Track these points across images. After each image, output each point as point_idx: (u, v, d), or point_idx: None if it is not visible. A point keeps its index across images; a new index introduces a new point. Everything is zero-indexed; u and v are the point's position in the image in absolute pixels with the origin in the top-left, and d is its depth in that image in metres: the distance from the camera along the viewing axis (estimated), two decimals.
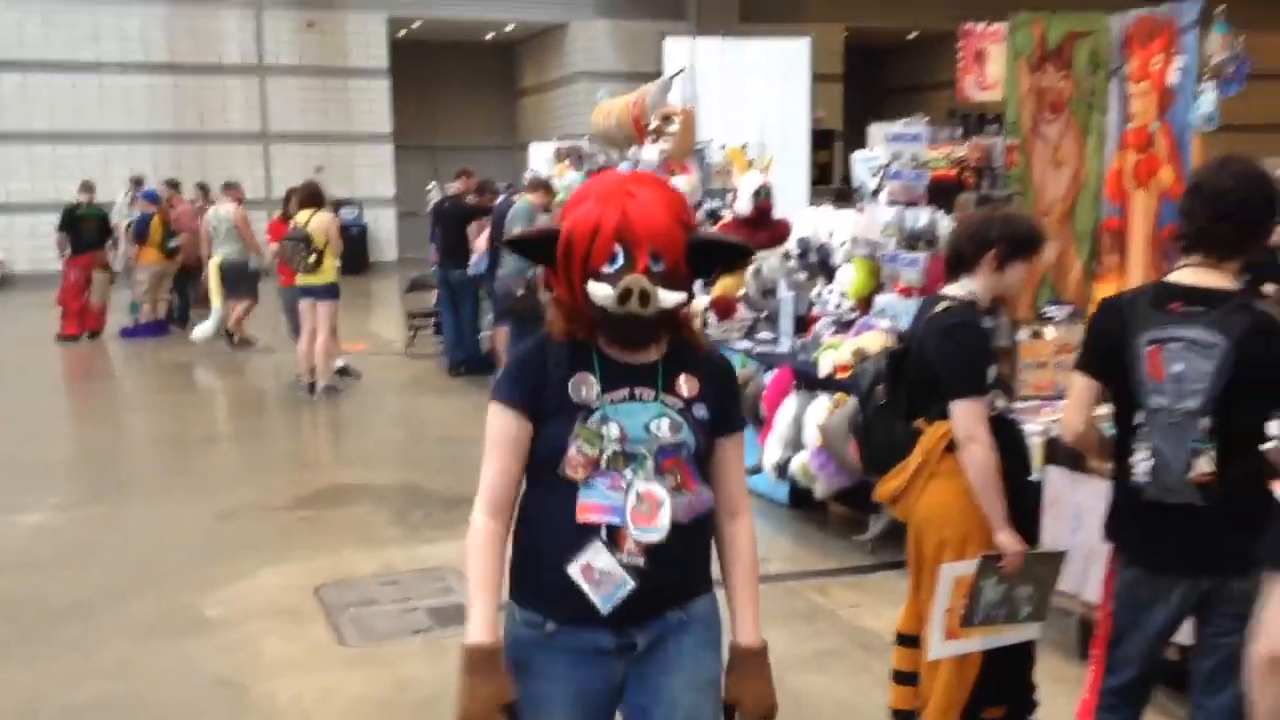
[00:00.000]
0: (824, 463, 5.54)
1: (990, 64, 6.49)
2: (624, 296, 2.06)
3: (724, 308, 7.21)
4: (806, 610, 4.88)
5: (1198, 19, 4.91)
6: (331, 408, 9.44)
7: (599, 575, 2.13)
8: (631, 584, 2.12)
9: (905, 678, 3.62)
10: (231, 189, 12.24)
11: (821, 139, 18.28)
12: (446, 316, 10.85)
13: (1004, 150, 5.70)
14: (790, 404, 5.87)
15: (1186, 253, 2.85)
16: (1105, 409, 3.05)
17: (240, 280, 11.88)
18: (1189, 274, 2.82)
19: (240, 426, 9.43)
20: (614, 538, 2.12)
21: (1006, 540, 3.30)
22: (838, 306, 6.19)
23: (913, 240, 5.66)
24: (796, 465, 5.74)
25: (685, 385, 2.21)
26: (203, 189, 15.28)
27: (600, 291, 2.08)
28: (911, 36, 24.36)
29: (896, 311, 5.55)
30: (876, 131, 6.16)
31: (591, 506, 2.13)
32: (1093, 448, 3.17)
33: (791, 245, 6.82)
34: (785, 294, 6.65)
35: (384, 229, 21.91)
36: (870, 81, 25.35)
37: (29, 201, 19.05)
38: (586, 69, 21.19)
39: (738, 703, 2.24)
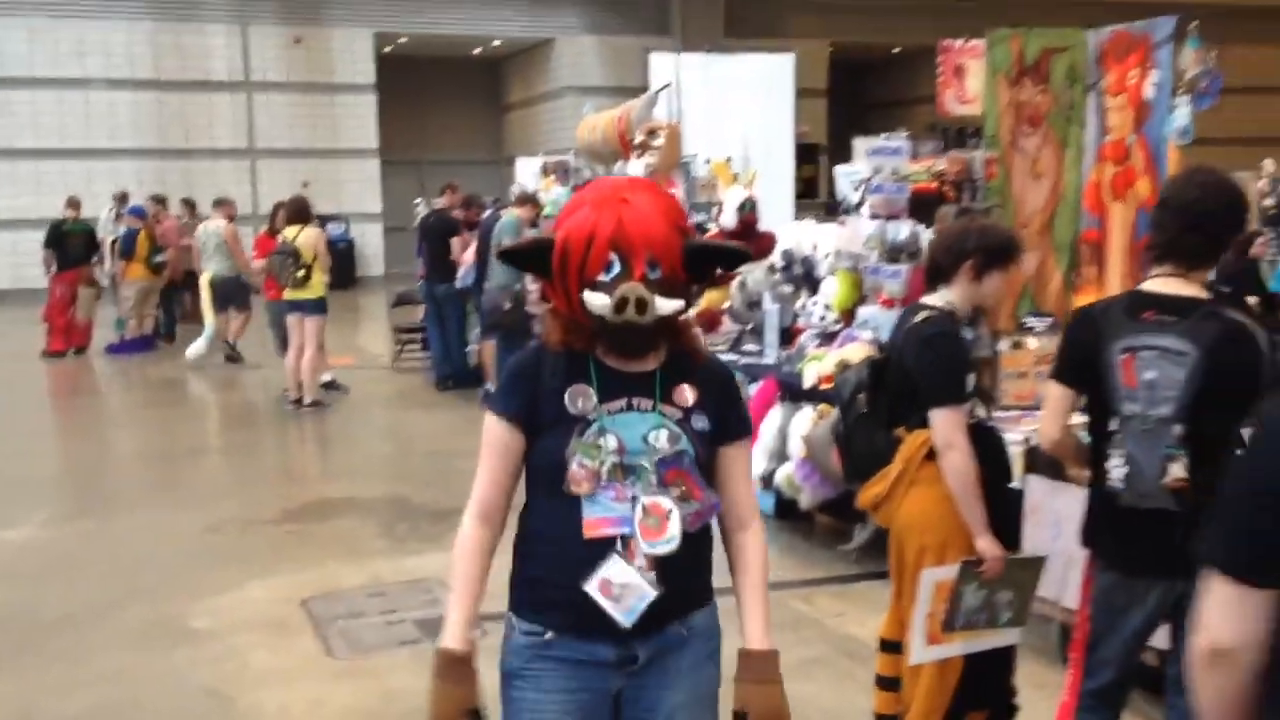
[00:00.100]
0: (809, 474, 5.59)
1: (970, 79, 6.58)
2: (621, 305, 2.03)
3: (709, 320, 7.27)
4: (792, 619, 4.92)
5: (1172, 34, 5.00)
6: (318, 422, 9.46)
7: (618, 590, 2.10)
8: (653, 593, 2.10)
9: (888, 683, 3.67)
10: (224, 205, 12.27)
11: (806, 153, 18.39)
12: (433, 331, 10.89)
13: (983, 163, 5.78)
14: (775, 415, 5.92)
15: (1157, 263, 2.91)
16: (1081, 417, 3.12)
17: (232, 294, 11.91)
18: (1160, 283, 2.89)
19: (227, 441, 9.44)
20: (625, 549, 2.10)
21: (986, 546, 3.34)
22: (822, 319, 6.24)
23: (894, 252, 5.72)
24: (782, 476, 5.79)
25: (683, 395, 2.18)
26: (189, 205, 15.32)
27: (597, 301, 2.05)
28: (895, 52, 24.54)
29: (879, 323, 5.60)
30: (860, 146, 6.22)
31: (599, 521, 2.10)
32: (1069, 455, 3.23)
33: (776, 258, 6.88)
34: (770, 306, 6.71)
35: (371, 244, 21.94)
36: (855, 96, 25.53)
37: (13, 218, 19.02)
38: (573, 84, 21.29)
39: (746, 708, 2.16)
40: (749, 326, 7.03)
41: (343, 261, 18.86)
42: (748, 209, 7.32)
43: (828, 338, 6.11)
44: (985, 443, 3.47)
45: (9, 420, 9.90)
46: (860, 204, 6.05)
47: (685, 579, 2.15)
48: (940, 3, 19.94)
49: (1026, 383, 5.07)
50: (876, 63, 25.86)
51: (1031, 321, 5.37)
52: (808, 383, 5.75)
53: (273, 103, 20.94)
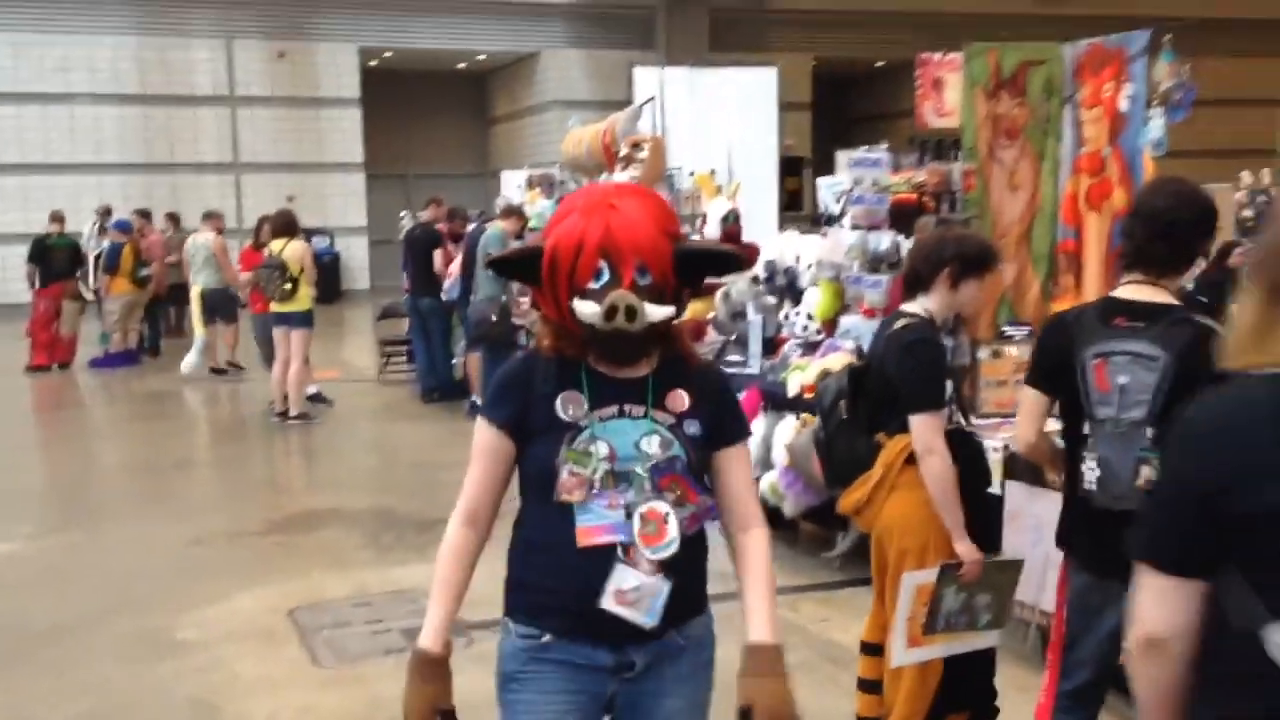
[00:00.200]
0: (792, 481, 5.64)
1: (948, 92, 6.68)
2: (610, 313, 2.02)
3: (694, 331, 7.32)
4: None
5: (1146, 48, 5.09)
6: (304, 434, 9.48)
7: (633, 595, 2.10)
8: (667, 586, 2.10)
9: (870, 685, 3.72)
10: (213, 218, 12.35)
11: (791, 166, 18.49)
12: (418, 343, 10.92)
13: (962, 175, 5.86)
14: (759, 425, 5.97)
15: (1128, 270, 2.98)
16: (1056, 422, 3.18)
17: (221, 306, 11.94)
18: (1131, 290, 2.95)
19: (213, 454, 9.45)
20: (627, 555, 2.10)
21: (965, 549, 3.40)
22: (805, 329, 6.30)
23: (875, 263, 5.79)
24: (765, 484, 5.84)
25: (676, 400, 2.17)
26: (173, 219, 15.34)
27: (586, 309, 2.04)
28: (878, 66, 24.73)
29: (861, 332, 5.67)
30: (843, 158, 6.30)
31: (591, 529, 2.10)
32: (1044, 458, 3.30)
33: (759, 269, 6.94)
34: (754, 317, 6.77)
35: (356, 258, 21.97)
36: (839, 110, 25.72)
37: None
38: (558, 98, 21.39)
39: (751, 703, 2.10)
40: (733, 337, 7.09)
41: (328, 275, 18.86)
42: (731, 220, 7.40)
43: (811, 347, 6.17)
44: (964, 448, 3.53)
45: None
46: (842, 215, 6.12)
47: (686, 580, 2.15)
48: (921, 18, 20.12)
49: (1006, 390, 5.13)
50: (860, 77, 26.06)
51: (1010, 330, 5.44)
52: (791, 392, 5.81)
53: (257, 117, 20.98)
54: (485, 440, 2.20)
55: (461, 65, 23.99)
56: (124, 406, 11.45)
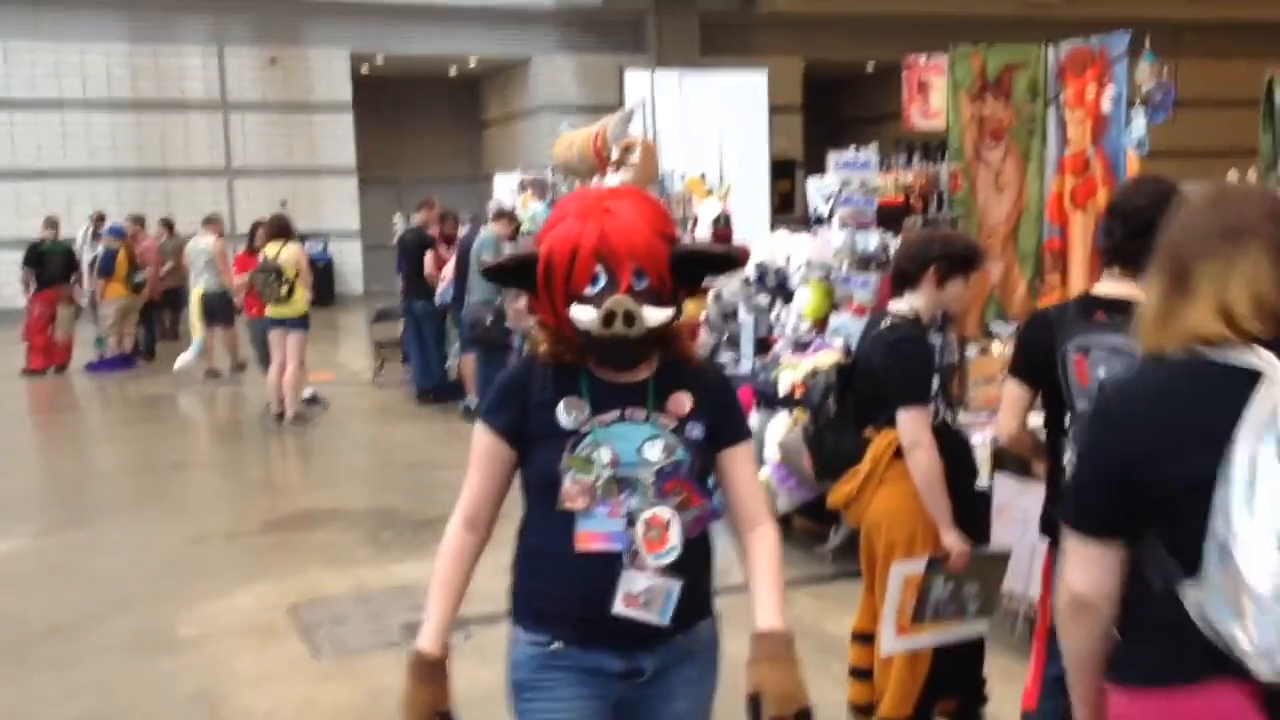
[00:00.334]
0: (784, 477, 5.73)
1: (934, 94, 6.78)
2: (608, 319, 2.00)
3: (687, 332, 7.41)
4: None
5: (1127, 50, 5.19)
6: (301, 436, 9.54)
7: (645, 597, 2.09)
8: (678, 584, 2.10)
9: (861, 674, 3.80)
10: (213, 223, 12.45)
11: (782, 168, 18.59)
12: (412, 345, 10.99)
13: (949, 176, 5.96)
14: (751, 422, 6.06)
15: (1107, 266, 3.07)
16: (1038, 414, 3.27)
17: (221, 310, 12.02)
18: (1110, 286, 3.04)
19: (210, 455, 9.51)
20: (636, 563, 2.10)
21: (952, 540, 3.49)
22: (795, 328, 6.40)
23: (864, 262, 5.89)
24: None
25: (678, 403, 2.15)
26: (167, 224, 15.40)
27: (584, 315, 2.02)
28: (869, 68, 24.84)
29: (850, 331, 5.75)
30: (833, 160, 6.39)
31: (590, 535, 2.09)
32: (1026, 449, 3.38)
33: (750, 270, 7.03)
34: (745, 317, 6.86)
35: (350, 262, 22.00)
36: (829, 112, 25.80)
37: None
38: (549, 102, 21.45)
39: (760, 689, 2.06)
40: (725, 337, 7.18)
41: (322, 279, 18.95)
42: (722, 223, 7.49)
43: (801, 346, 6.26)
44: (950, 442, 3.61)
45: None
46: (831, 216, 6.22)
47: (691, 582, 2.14)
48: (910, 20, 20.24)
49: (994, 387, 5.22)
50: (850, 79, 26.16)
51: (998, 328, 5.54)
52: (783, 390, 5.90)
53: (250, 122, 21.01)
54: (484, 445, 2.19)
55: (453, 70, 24.04)
56: (121, 409, 11.51)
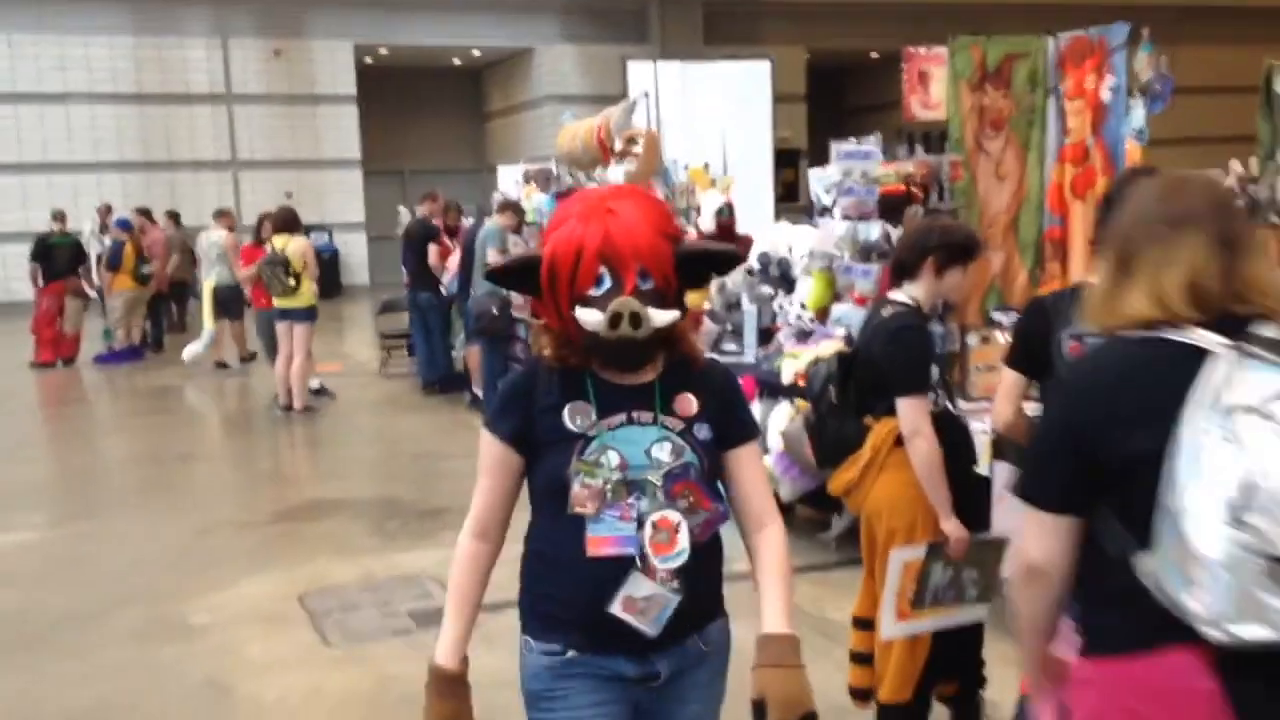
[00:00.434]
0: (787, 466, 5.78)
1: (934, 85, 6.82)
2: (615, 320, 1.99)
3: (690, 322, 7.45)
4: None
5: (1126, 40, 5.22)
6: (308, 427, 9.61)
7: (642, 604, 2.08)
8: (676, 599, 2.08)
9: (861, 658, 3.85)
10: (224, 216, 12.54)
11: (786, 158, 18.60)
12: (418, 337, 11.05)
13: (949, 166, 6.00)
14: (754, 411, 6.09)
15: (1102, 255, 3.11)
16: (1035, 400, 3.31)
17: (232, 303, 12.10)
18: None
19: (219, 446, 9.59)
20: (644, 567, 2.08)
21: (951, 527, 3.53)
22: (798, 317, 6.43)
23: (866, 252, 5.92)
24: None
25: (685, 404, 2.14)
26: (173, 217, 15.47)
27: (590, 317, 2.01)
28: (873, 57, 24.83)
29: (852, 320, 5.79)
30: (836, 149, 6.43)
31: (601, 540, 2.07)
32: (1021, 435, 3.42)
33: (753, 261, 7.07)
34: (749, 307, 6.90)
35: (355, 253, 22.07)
36: (833, 101, 25.80)
37: (0, 232, 19.11)
38: (553, 92, 21.48)
39: (764, 694, 2.05)
40: (728, 327, 7.23)
41: (327, 271, 18.98)
42: (725, 214, 7.52)
43: (804, 336, 6.30)
44: (950, 430, 3.64)
45: (1, 429, 10.02)
46: (832, 206, 6.25)
47: (698, 589, 2.13)
48: (912, 8, 20.23)
49: (995, 375, 5.23)
50: (853, 68, 26.15)
51: (999, 316, 5.58)
52: (786, 379, 5.94)
53: (254, 114, 21.07)
54: (491, 453, 2.18)
55: (456, 61, 24.07)
56: (129, 401, 11.59)
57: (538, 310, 2.15)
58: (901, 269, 3.71)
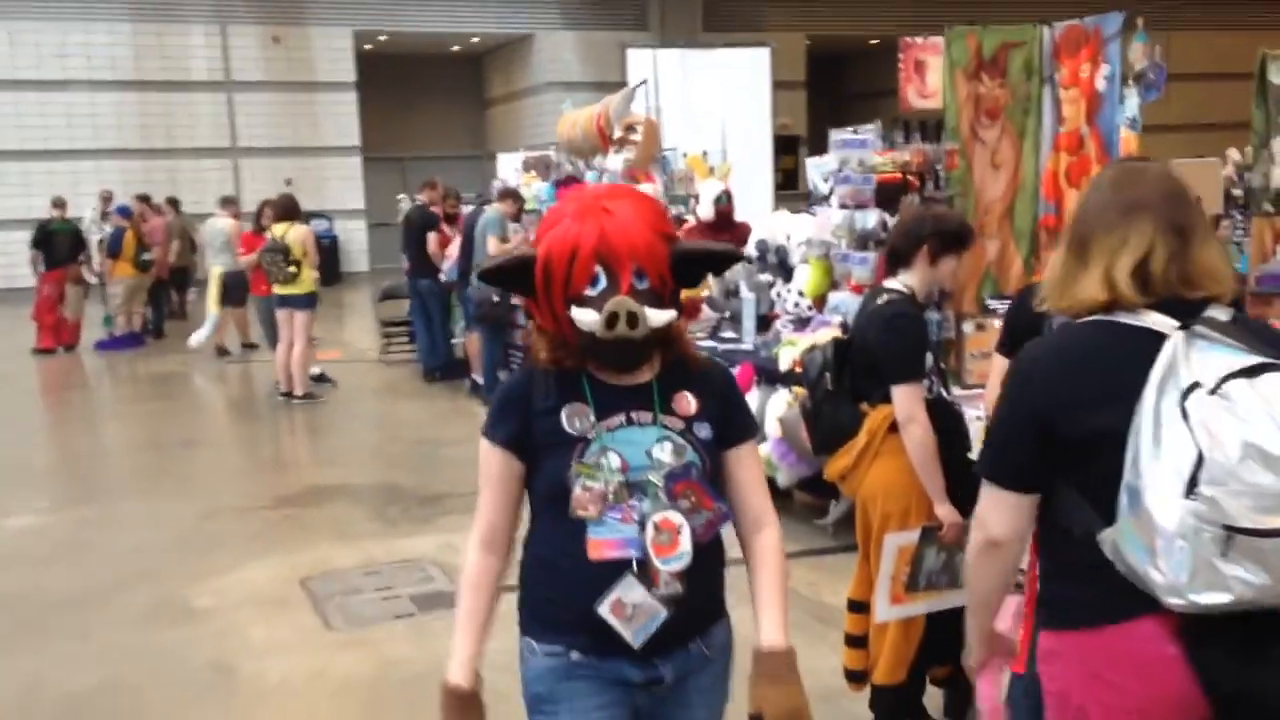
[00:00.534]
0: (785, 453, 5.83)
1: (930, 74, 6.85)
2: (611, 321, 1.96)
3: (689, 309, 7.51)
4: None
5: (1121, 29, 5.25)
6: (309, 413, 9.66)
7: (631, 610, 2.05)
8: (665, 614, 2.06)
9: (856, 641, 3.90)
10: (229, 204, 12.64)
11: (786, 145, 18.62)
12: (419, 324, 11.10)
13: (945, 154, 6.04)
14: (753, 398, 6.15)
15: None
16: None
17: (238, 289, 12.14)
18: None
19: (220, 432, 9.64)
20: (644, 571, 2.05)
21: (945, 512, 3.57)
22: (796, 305, 6.48)
23: (863, 240, 5.96)
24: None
25: (684, 404, 2.12)
26: (173, 204, 15.51)
27: (585, 317, 1.99)
28: (872, 44, 24.80)
29: (850, 308, 5.83)
30: (834, 138, 6.46)
31: (603, 543, 2.05)
32: None
33: (751, 248, 7.11)
34: (747, 295, 6.95)
35: (355, 240, 22.10)
36: (833, 88, 25.78)
37: (1, 218, 19.13)
38: (552, 79, 21.48)
39: (761, 709, 2.05)
40: (727, 314, 7.28)
41: (328, 258, 19.00)
42: (723, 201, 7.56)
43: (802, 323, 6.35)
44: (945, 417, 3.69)
45: (4, 414, 10.08)
46: (830, 194, 6.29)
47: (700, 591, 2.11)
48: None
49: (989, 362, 5.30)
50: (853, 55, 26.11)
51: (994, 304, 5.62)
52: (783, 366, 5.99)
53: (254, 101, 21.07)
54: (492, 463, 2.15)
55: (456, 48, 24.05)
56: (131, 387, 11.65)
57: (532, 311, 2.13)
58: (896, 257, 3.75)
